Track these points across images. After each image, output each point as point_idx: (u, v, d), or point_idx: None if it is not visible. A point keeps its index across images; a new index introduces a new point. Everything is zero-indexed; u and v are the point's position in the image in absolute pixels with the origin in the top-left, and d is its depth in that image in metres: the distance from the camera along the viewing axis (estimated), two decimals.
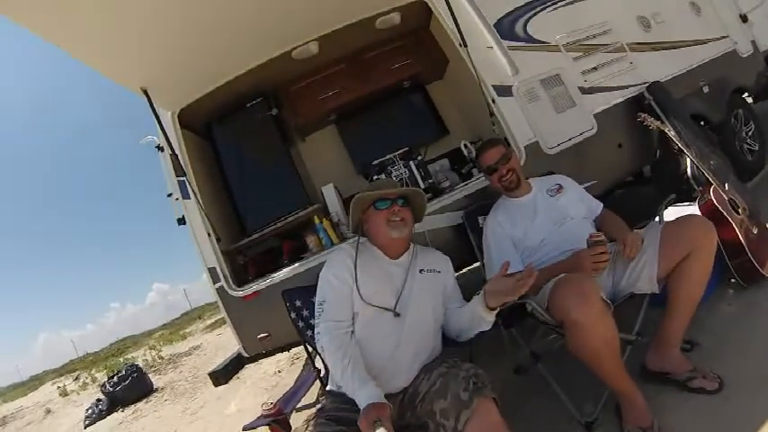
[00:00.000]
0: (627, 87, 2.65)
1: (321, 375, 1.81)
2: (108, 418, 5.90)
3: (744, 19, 3.45)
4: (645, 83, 2.66)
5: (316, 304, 1.50)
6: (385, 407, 1.17)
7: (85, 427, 5.89)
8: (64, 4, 1.42)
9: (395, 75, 2.87)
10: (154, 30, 1.72)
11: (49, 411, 8.48)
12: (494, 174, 1.95)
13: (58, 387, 10.98)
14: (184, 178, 2.29)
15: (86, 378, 10.95)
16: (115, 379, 6.45)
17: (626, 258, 1.61)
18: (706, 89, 2.99)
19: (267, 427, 1.54)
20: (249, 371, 4.54)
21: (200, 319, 14.43)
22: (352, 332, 1.44)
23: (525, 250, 1.82)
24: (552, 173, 2.18)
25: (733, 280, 1.90)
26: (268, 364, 4.46)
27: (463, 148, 2.70)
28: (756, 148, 3.19)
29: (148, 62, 1.91)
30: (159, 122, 2.17)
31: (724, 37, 3.26)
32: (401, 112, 3.09)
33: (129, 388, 6.28)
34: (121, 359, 12.06)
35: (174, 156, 2.26)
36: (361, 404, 1.19)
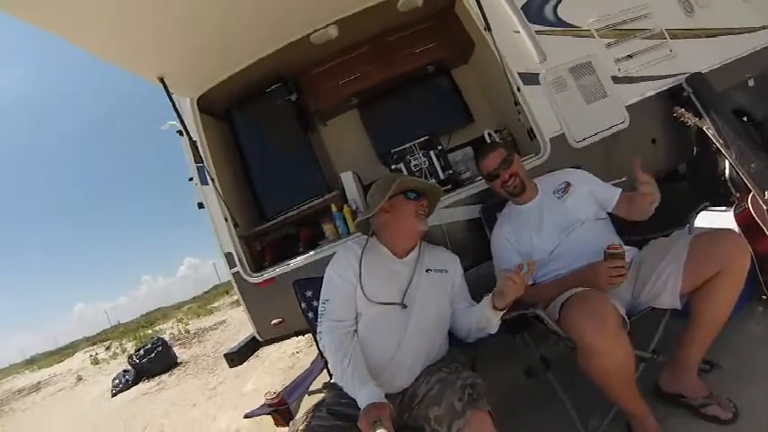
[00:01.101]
0: (664, 78, 2.47)
1: (328, 366, 1.81)
2: (133, 388, 6.22)
3: None
4: (684, 73, 2.47)
5: (319, 302, 1.50)
6: (385, 407, 1.17)
7: (112, 396, 6.22)
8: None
9: (418, 59, 2.74)
10: (168, 18, 1.69)
11: (80, 378, 9.02)
12: (495, 180, 1.84)
13: (90, 355, 11.67)
14: (203, 165, 2.30)
15: (117, 348, 11.58)
16: (142, 352, 6.78)
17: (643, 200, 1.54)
18: (751, 82, 2.76)
19: (269, 415, 1.54)
20: (268, 350, 4.63)
21: (227, 293, 14.86)
22: (355, 331, 1.44)
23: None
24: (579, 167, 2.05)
25: (764, 297, 1.77)
26: (287, 344, 4.58)
27: (487, 137, 2.59)
28: None
29: (164, 51, 1.89)
30: (177, 111, 2.17)
31: None
32: (425, 98, 2.97)
33: (155, 360, 6.61)
34: (150, 331, 12.66)
35: (192, 143, 2.26)
36: (362, 404, 1.19)
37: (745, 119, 2.68)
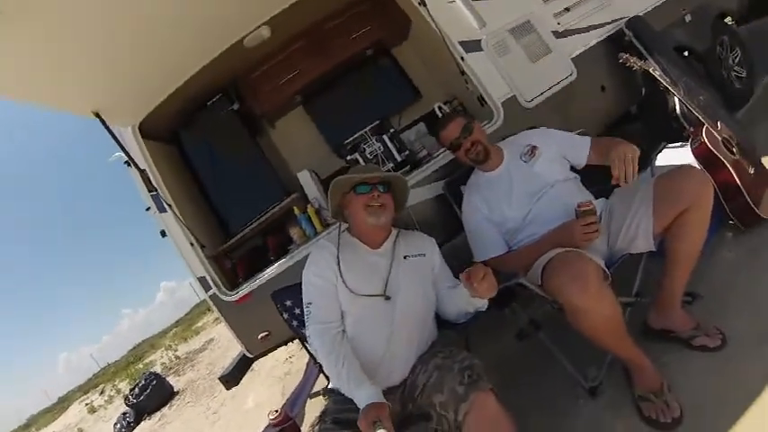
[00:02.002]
0: (604, 25, 2.49)
1: (323, 369, 1.77)
2: (137, 429, 6.06)
3: None
4: (623, 18, 2.49)
5: (304, 305, 1.46)
6: (384, 406, 1.16)
7: None
8: None
9: (355, 44, 2.67)
10: (91, 52, 1.65)
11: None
12: (458, 149, 1.81)
13: (86, 404, 11.32)
14: (157, 192, 2.21)
15: (111, 391, 11.25)
16: (137, 390, 6.60)
17: (618, 182, 1.46)
18: (688, 18, 2.83)
19: None
20: (262, 361, 4.53)
21: (209, 311, 14.63)
22: (343, 331, 1.40)
23: (507, 232, 1.70)
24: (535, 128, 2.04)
25: (732, 222, 1.82)
26: (279, 351, 4.45)
27: (437, 110, 2.56)
28: (744, 74, 3.05)
29: (95, 85, 1.85)
30: (119, 143, 2.08)
31: None
32: (369, 82, 2.90)
33: (152, 396, 6.44)
34: (141, 365, 12.32)
35: (142, 172, 2.16)
36: (360, 404, 1.18)
37: (686, 53, 2.73)
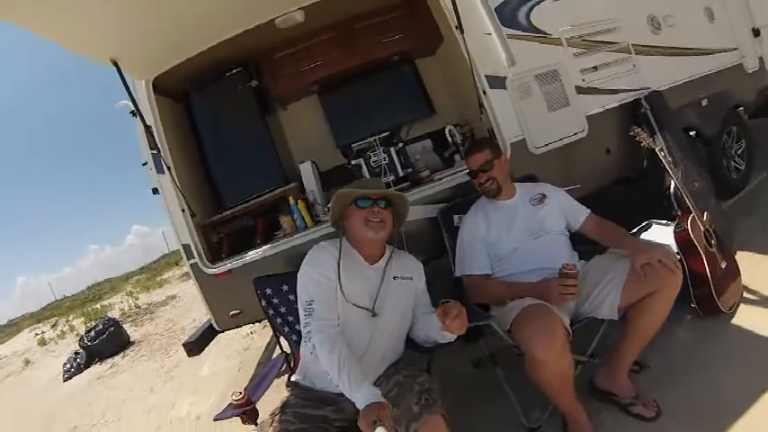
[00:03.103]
0: (625, 92, 2.56)
1: (289, 360, 1.85)
2: (86, 372, 5.91)
3: (756, 33, 3.31)
4: (644, 89, 2.56)
5: (301, 302, 1.48)
6: (384, 406, 1.17)
7: (64, 381, 5.90)
8: None
9: (384, 48, 2.69)
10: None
11: (28, 362, 8.47)
12: (475, 178, 1.91)
13: (36, 335, 10.93)
14: (158, 152, 2.20)
15: (64, 326, 10.91)
16: (92, 333, 6.45)
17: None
18: (705, 102, 2.91)
19: (239, 417, 1.53)
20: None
21: (177, 265, 14.38)
22: (341, 331, 1.43)
23: (495, 256, 1.81)
24: (535, 176, 2.12)
25: (693, 306, 1.92)
26: None
27: (447, 134, 2.60)
28: (743, 167, 3.16)
29: (117, 32, 1.80)
30: (131, 95, 2.06)
31: (733, 49, 3.15)
32: (387, 87, 2.92)
33: (107, 341, 6.30)
34: (98, 306, 12.06)
35: (147, 128, 2.16)
36: (360, 405, 1.19)
37: (694, 134, 2.82)
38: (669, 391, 1.63)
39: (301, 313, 1.48)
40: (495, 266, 1.80)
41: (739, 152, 3.17)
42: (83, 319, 10.13)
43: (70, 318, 11.72)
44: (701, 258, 1.84)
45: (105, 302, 12.92)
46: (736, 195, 3.04)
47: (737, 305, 1.94)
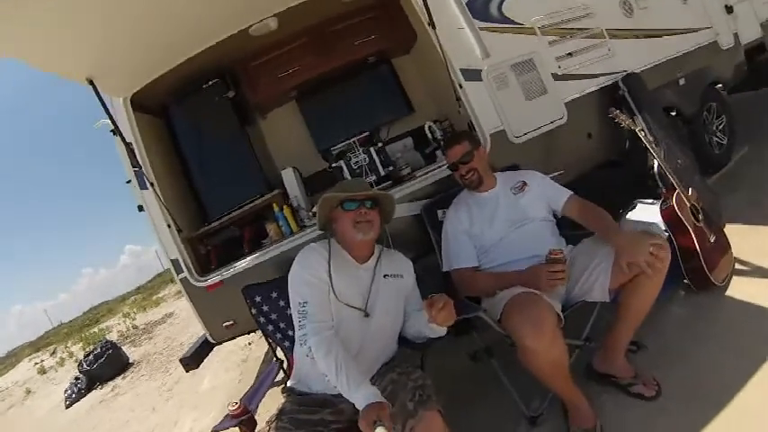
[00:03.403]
0: (602, 76, 2.57)
1: (284, 366, 1.86)
2: (88, 396, 5.88)
3: (729, 10, 3.36)
4: (621, 72, 2.58)
5: (294, 304, 1.46)
6: (384, 406, 1.17)
7: (66, 407, 5.85)
8: None
9: (359, 50, 2.68)
10: (95, 17, 1.59)
11: (29, 392, 8.45)
12: (456, 171, 1.90)
13: (36, 364, 10.94)
14: (140, 169, 2.19)
15: (63, 353, 10.92)
16: (91, 357, 6.42)
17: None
18: (682, 81, 2.93)
19: (236, 428, 1.52)
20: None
21: (172, 282, 14.36)
22: (336, 332, 1.42)
23: (481, 248, 1.80)
24: (517, 165, 2.12)
25: (686, 282, 1.92)
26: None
27: (427, 130, 2.60)
28: (725, 142, 3.19)
29: (91, 51, 1.78)
30: (109, 113, 2.05)
31: (707, 27, 3.17)
32: (365, 89, 2.92)
33: (106, 365, 6.28)
34: (96, 329, 12.00)
35: (128, 145, 2.14)
36: (360, 405, 1.18)
37: (674, 113, 2.84)
38: (668, 369, 1.62)
39: (295, 316, 1.46)
40: (482, 258, 1.79)
41: (720, 127, 3.19)
42: (81, 344, 10.06)
43: (69, 344, 11.69)
44: (690, 233, 1.84)
45: (103, 326, 12.87)
46: (721, 170, 3.07)
47: (730, 278, 1.94)
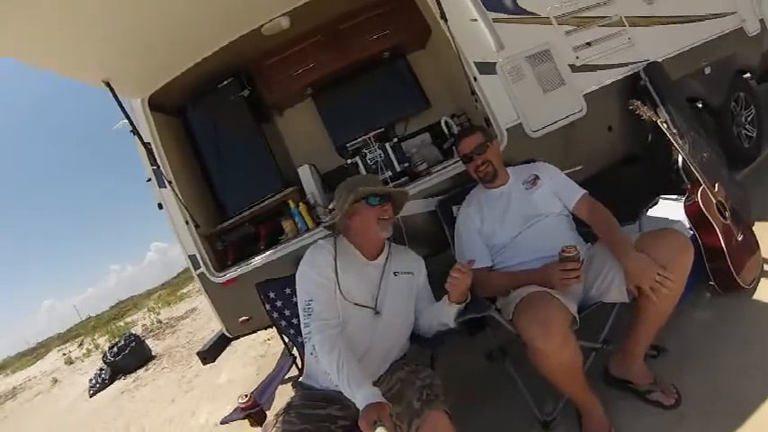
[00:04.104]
0: (622, 66, 2.47)
1: (297, 362, 1.86)
2: (111, 387, 6.10)
3: None
4: (642, 61, 2.48)
5: (301, 302, 1.47)
6: (384, 407, 1.17)
7: (90, 397, 6.09)
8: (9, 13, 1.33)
9: (374, 46, 2.66)
10: (109, 21, 1.62)
11: (56, 381, 8.81)
12: (469, 163, 1.86)
13: (64, 354, 11.37)
14: (159, 167, 2.25)
15: (89, 344, 11.33)
16: (115, 349, 6.65)
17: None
18: (708, 70, 2.81)
19: (245, 419, 1.55)
20: (239, 339, 4.61)
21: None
22: (341, 330, 1.42)
23: (494, 247, 1.76)
24: (533, 159, 2.06)
25: (711, 283, 1.84)
26: (258, 332, 4.54)
27: (443, 125, 2.56)
28: (754, 134, 3.04)
29: (107, 54, 1.82)
30: (126, 114, 2.09)
31: (732, 13, 3.03)
32: (381, 84, 2.89)
33: (129, 356, 6.50)
34: (122, 323, 12.39)
35: (146, 145, 2.19)
36: (360, 405, 1.18)
37: (700, 105, 2.72)
38: (689, 374, 1.55)
39: (301, 314, 1.47)
40: (496, 258, 1.75)
41: (749, 119, 3.05)
42: (107, 336, 10.38)
43: (95, 336, 12.11)
44: (715, 231, 1.76)
45: (128, 319, 13.28)
46: (750, 164, 2.93)
47: (758, 280, 1.84)
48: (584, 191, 1.76)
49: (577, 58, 2.37)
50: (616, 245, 1.49)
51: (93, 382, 6.34)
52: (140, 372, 6.18)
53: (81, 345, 12.21)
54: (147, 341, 7.31)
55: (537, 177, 1.81)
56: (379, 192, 1.53)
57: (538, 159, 2.06)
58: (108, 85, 1.92)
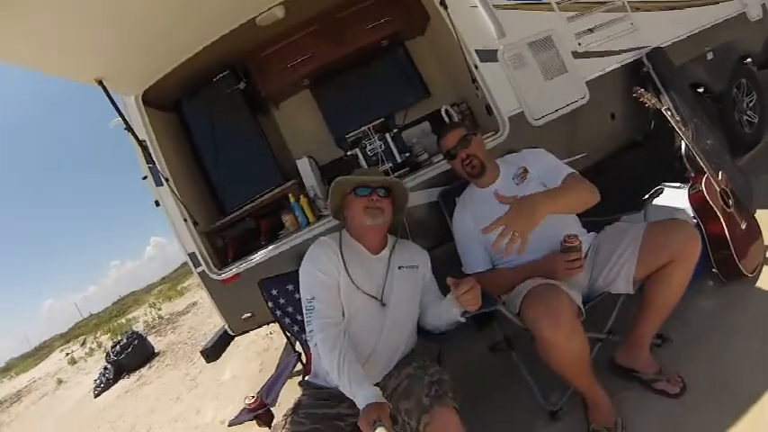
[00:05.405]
0: (625, 52, 2.44)
1: (302, 359, 1.88)
2: (115, 386, 6.11)
3: None
4: (645, 47, 2.45)
5: (304, 300, 1.46)
6: (384, 407, 1.17)
7: (95, 396, 6.10)
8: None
9: (370, 34, 2.59)
10: (99, 17, 1.58)
11: (60, 382, 8.83)
12: (454, 159, 1.80)
13: (67, 354, 11.39)
14: (155, 165, 2.21)
15: (92, 343, 11.36)
16: (118, 347, 6.66)
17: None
18: (710, 56, 2.78)
19: (254, 420, 1.54)
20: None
21: None
22: (344, 329, 1.41)
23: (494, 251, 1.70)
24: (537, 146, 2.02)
25: (715, 271, 1.83)
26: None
27: (444, 114, 2.52)
28: (756, 120, 3.02)
29: (99, 52, 1.78)
30: (120, 113, 2.05)
31: None
32: (379, 73, 2.83)
33: (132, 355, 6.51)
34: (123, 320, 12.40)
35: (141, 143, 2.16)
36: (360, 404, 1.18)
37: (702, 91, 2.70)
38: (694, 363, 1.55)
39: (304, 312, 1.46)
40: (497, 258, 1.71)
41: (751, 105, 3.03)
42: (109, 335, 10.40)
43: (98, 334, 12.13)
44: (720, 221, 1.75)
45: (130, 316, 13.29)
46: (751, 151, 2.91)
47: (761, 267, 1.84)
48: (571, 171, 1.67)
49: (579, 44, 2.34)
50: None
51: (98, 381, 6.36)
52: (144, 370, 6.20)
53: (83, 344, 12.23)
54: (149, 338, 7.32)
55: (525, 170, 1.75)
56: (365, 182, 1.52)
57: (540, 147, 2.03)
58: (100, 83, 1.88)
